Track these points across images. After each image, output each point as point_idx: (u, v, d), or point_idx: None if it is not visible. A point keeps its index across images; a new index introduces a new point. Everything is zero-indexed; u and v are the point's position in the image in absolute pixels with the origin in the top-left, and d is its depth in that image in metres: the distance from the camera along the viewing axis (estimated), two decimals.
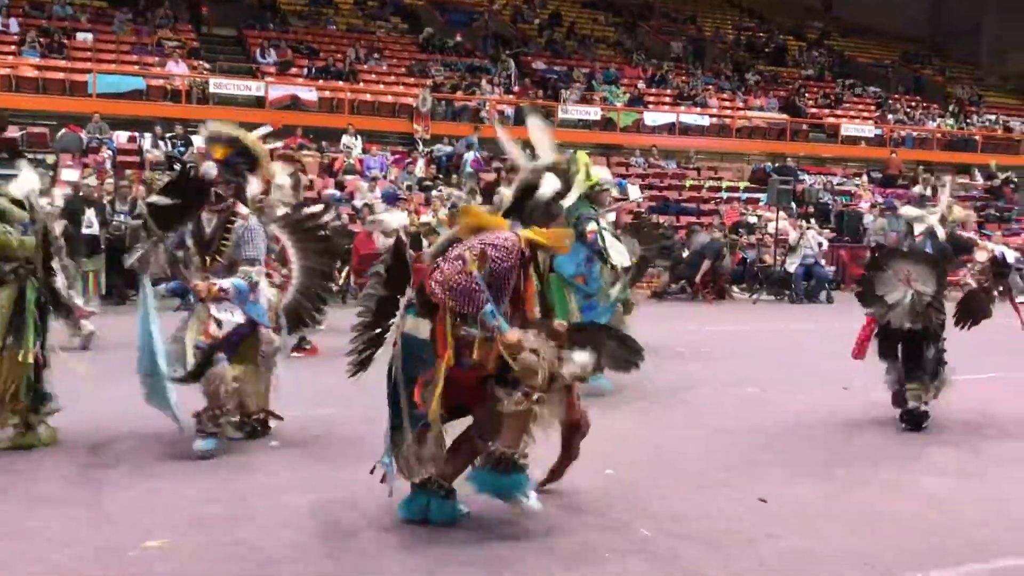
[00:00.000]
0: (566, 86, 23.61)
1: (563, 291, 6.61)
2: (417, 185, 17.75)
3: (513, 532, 3.84)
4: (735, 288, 16.32)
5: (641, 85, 25.19)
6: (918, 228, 6.38)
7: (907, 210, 7.04)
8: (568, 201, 4.01)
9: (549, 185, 4.08)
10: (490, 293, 3.69)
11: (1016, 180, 24.51)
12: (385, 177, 17.75)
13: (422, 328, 3.85)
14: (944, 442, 5.70)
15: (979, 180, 25.37)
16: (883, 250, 7.45)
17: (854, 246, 18.08)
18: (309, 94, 20.59)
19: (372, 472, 3.96)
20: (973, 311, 6.42)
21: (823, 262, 15.91)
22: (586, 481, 4.63)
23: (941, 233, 6.27)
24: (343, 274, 12.36)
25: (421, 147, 20.26)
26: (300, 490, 4.34)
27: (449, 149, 20.01)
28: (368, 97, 21.42)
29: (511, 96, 23.33)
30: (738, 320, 12.61)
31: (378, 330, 3.93)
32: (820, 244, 15.94)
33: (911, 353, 6.00)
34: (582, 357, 3.81)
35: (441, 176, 18.94)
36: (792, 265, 15.54)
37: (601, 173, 7.79)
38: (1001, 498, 4.56)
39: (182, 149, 17.73)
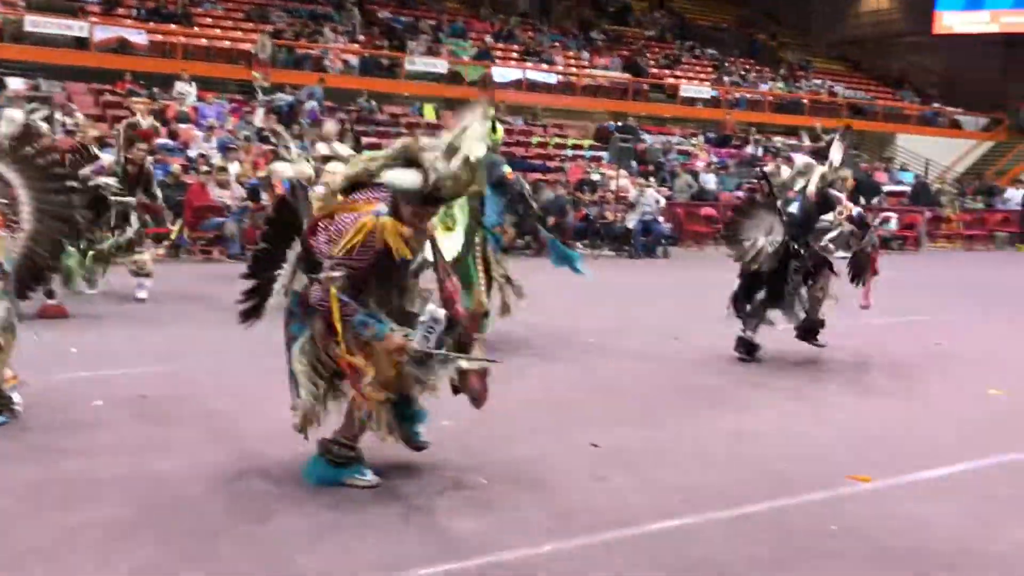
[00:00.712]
0: (413, 37, 23.26)
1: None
2: (256, 135, 17.11)
3: (343, 492, 3.81)
4: (578, 244, 16.67)
5: (489, 39, 25.12)
6: (799, 183, 6.73)
7: (799, 159, 7.36)
8: (478, 152, 3.70)
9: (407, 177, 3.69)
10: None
11: None
12: (222, 127, 17.03)
13: (297, 282, 3.85)
14: (775, 386, 6.03)
15: (806, 142, 26.80)
16: (752, 200, 7.94)
17: (690, 204, 18.77)
18: (139, 37, 19.42)
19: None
20: (859, 269, 6.92)
21: (661, 219, 16.44)
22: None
23: (812, 189, 6.62)
24: (176, 227, 11.86)
25: (260, 95, 19.52)
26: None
27: (290, 98, 19.36)
28: (203, 42, 20.44)
29: (355, 45, 22.80)
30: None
31: (256, 282, 3.94)
32: (658, 202, 16.44)
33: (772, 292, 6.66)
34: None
35: (282, 126, 18.32)
36: (632, 222, 15.99)
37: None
38: (815, 435, 4.89)
39: None
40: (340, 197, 3.87)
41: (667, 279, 12.79)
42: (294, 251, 3.91)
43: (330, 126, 14.48)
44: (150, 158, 8.96)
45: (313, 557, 3.16)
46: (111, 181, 7.97)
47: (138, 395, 5.12)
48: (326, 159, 9.77)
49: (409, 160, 3.65)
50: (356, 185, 3.86)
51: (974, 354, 7.53)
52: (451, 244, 6.31)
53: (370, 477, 3.86)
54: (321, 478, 3.83)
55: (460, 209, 6.16)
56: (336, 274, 3.59)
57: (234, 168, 14.14)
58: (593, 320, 8.38)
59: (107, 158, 8.31)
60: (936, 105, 31.06)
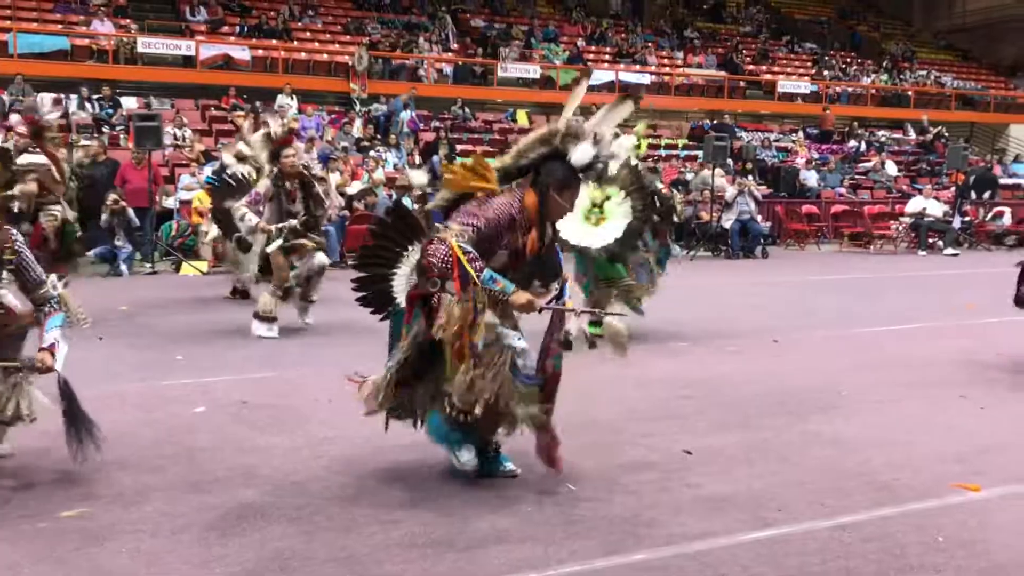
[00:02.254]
0: (505, 44, 23.40)
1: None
2: (355, 146, 17.50)
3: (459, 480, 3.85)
4: (675, 246, 16.45)
5: (581, 43, 25.08)
6: None
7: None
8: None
9: (582, 153, 3.81)
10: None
11: (947, 135, 25.02)
12: (322, 138, 17.47)
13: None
14: (877, 391, 5.83)
15: (912, 135, 25.87)
16: None
17: (790, 202, 18.33)
18: (242, 53, 20.11)
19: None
20: None
21: (759, 218, 16.09)
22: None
23: None
24: None
25: (358, 107, 19.96)
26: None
27: (386, 108, 19.73)
28: (303, 56, 21.02)
29: (449, 54, 23.08)
30: (674, 275, 12.72)
31: (366, 275, 4.18)
32: (756, 200, 16.09)
33: None
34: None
35: (379, 136, 18.70)
36: (728, 221, 15.70)
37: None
38: (922, 442, 4.70)
39: (110, 111, 17.24)
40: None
41: (765, 279, 12.49)
42: (410, 256, 4.03)
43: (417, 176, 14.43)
44: (304, 159, 8.04)
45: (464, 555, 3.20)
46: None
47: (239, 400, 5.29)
48: None
49: (560, 141, 3.81)
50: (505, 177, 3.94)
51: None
52: (599, 235, 6.76)
53: (466, 459, 3.91)
54: (434, 432, 3.96)
55: (617, 205, 6.77)
56: (462, 228, 3.63)
57: (334, 178, 14.49)
58: (686, 323, 8.25)
59: (262, 184, 7.45)
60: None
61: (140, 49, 19.15)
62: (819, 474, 4.16)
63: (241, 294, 9.49)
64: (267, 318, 7.41)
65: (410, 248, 4.07)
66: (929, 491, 3.97)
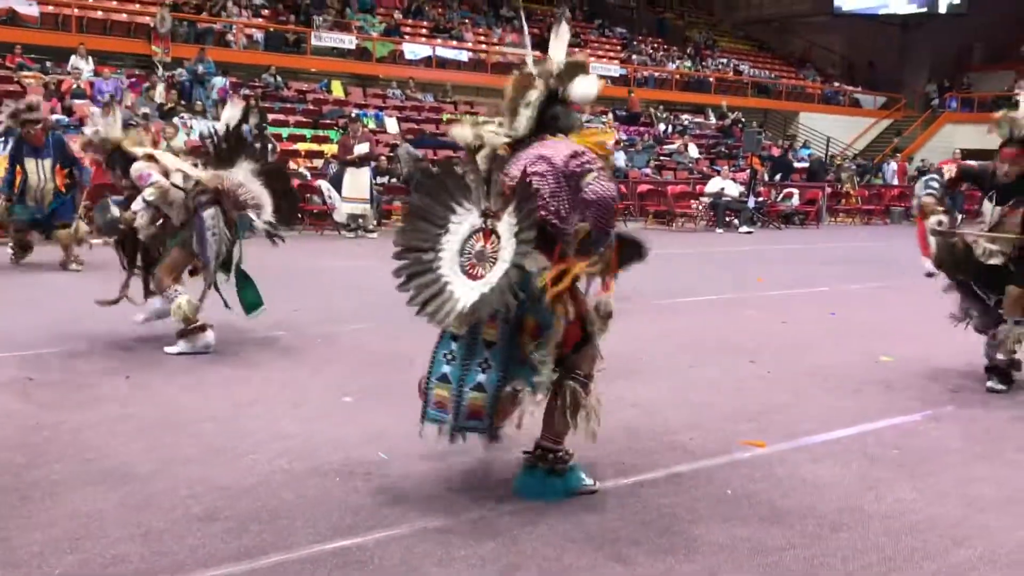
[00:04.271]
0: (319, 12, 22.80)
1: None
2: (157, 112, 16.58)
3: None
4: None
5: (397, 15, 24.81)
6: None
7: None
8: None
9: (585, 87, 3.62)
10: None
11: (744, 120, 26.61)
12: (120, 102, 16.42)
13: (539, 262, 3.27)
14: (669, 359, 6.14)
15: (712, 120, 27.33)
16: None
17: None
18: (29, 8, 18.58)
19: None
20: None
21: None
22: (325, 408, 4.62)
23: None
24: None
25: (161, 71, 18.90)
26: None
27: (190, 74, 18.80)
28: (99, 14, 19.65)
29: (260, 20, 22.26)
30: None
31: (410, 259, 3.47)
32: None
33: None
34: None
35: (184, 102, 17.81)
36: None
37: None
38: (714, 403, 5.00)
39: None
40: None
41: None
42: (462, 224, 3.41)
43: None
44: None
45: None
46: None
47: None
48: None
49: (556, 80, 3.64)
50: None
51: (868, 323, 7.82)
52: None
53: (590, 481, 3.64)
54: (543, 491, 3.51)
55: None
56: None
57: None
58: None
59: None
60: (837, 84, 31.99)
61: None
62: (621, 436, 4.35)
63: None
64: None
65: (458, 212, 3.43)
66: (720, 449, 4.24)
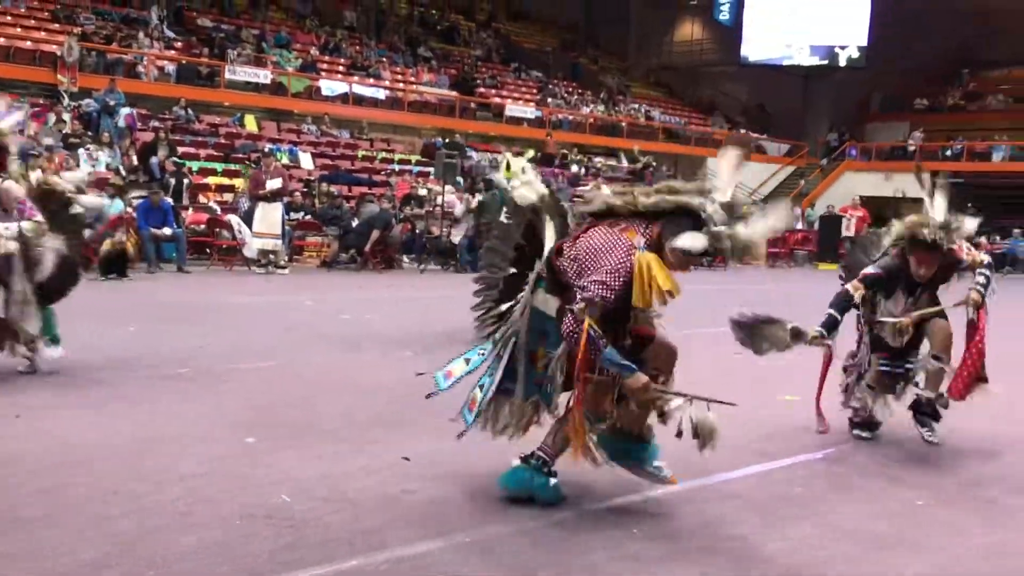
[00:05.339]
0: (233, 46, 22.56)
1: None
2: (61, 142, 16.10)
3: (143, 504, 3.60)
4: (404, 258, 16.62)
5: (314, 51, 24.72)
6: None
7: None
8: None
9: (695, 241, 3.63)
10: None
11: (655, 164, 27.24)
12: (22, 132, 15.88)
13: (550, 304, 3.79)
14: None
15: (624, 163, 27.89)
16: None
17: None
18: None
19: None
20: None
21: None
22: (228, 448, 4.50)
23: None
24: None
25: (67, 100, 18.39)
26: None
27: (98, 104, 18.34)
28: (1, 41, 19.05)
29: (172, 52, 21.91)
30: (407, 287, 12.86)
31: (505, 307, 3.98)
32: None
33: None
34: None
35: (90, 133, 17.33)
36: (457, 236, 16.09)
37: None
38: None
39: None
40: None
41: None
42: (535, 272, 3.91)
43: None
44: None
45: None
46: None
47: None
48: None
49: (686, 211, 3.63)
50: (609, 213, 3.81)
51: (772, 363, 7.98)
52: None
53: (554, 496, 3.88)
54: (530, 484, 3.85)
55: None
56: (589, 304, 3.53)
57: (35, 176, 13.19)
58: (415, 332, 8.33)
59: None
60: (743, 131, 33.05)
61: None
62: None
63: None
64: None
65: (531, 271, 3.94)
66: (630, 488, 4.24)
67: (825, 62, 32.09)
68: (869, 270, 5.11)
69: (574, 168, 25.47)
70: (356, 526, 3.57)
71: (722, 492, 4.31)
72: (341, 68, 24.73)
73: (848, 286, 5.08)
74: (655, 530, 3.72)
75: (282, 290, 11.80)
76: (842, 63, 31.91)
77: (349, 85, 23.60)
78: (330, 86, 23.32)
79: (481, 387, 3.96)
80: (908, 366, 5.36)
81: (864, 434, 5.49)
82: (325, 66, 24.46)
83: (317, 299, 10.72)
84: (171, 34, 22.51)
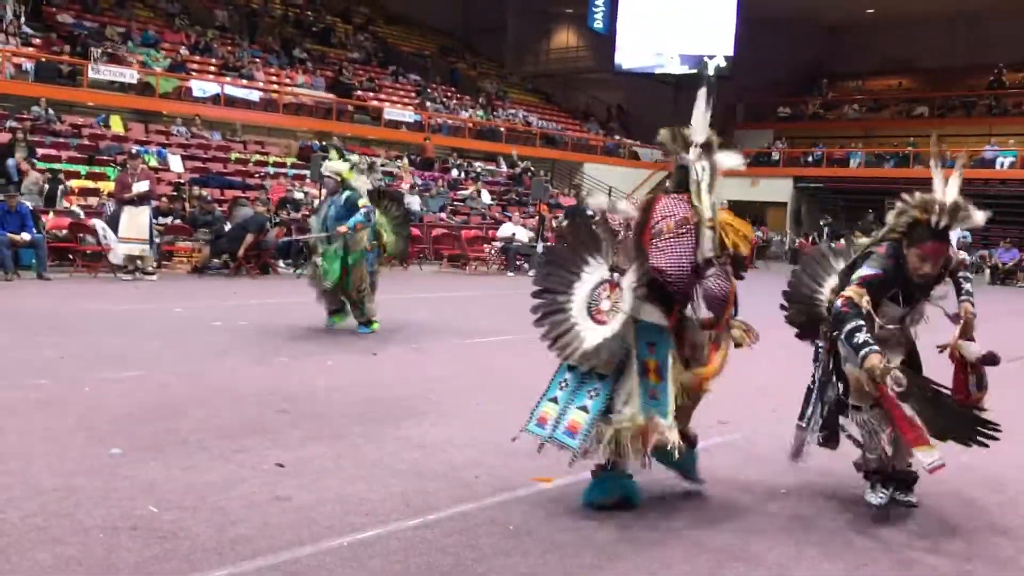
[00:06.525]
0: (97, 44, 21.63)
1: None
2: None
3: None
4: (280, 263, 16.26)
5: (184, 51, 23.94)
6: None
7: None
8: None
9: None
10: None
11: (533, 169, 27.57)
12: None
13: (655, 314, 3.89)
14: (467, 399, 6.19)
15: (503, 167, 28.12)
16: None
17: None
18: None
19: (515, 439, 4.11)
20: None
21: None
22: (89, 461, 4.32)
23: None
24: None
25: None
26: None
27: None
28: None
29: (30, 49, 20.85)
30: (283, 293, 12.57)
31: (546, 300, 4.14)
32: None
33: None
34: None
35: None
36: None
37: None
38: (491, 442, 5.07)
39: None
40: None
41: None
42: (593, 273, 4.08)
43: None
44: None
45: None
46: None
47: None
48: None
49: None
50: None
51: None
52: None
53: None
54: (616, 488, 4.02)
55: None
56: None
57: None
58: (289, 339, 8.18)
59: None
60: (617, 137, 33.83)
61: None
62: (407, 476, 4.33)
63: None
64: None
65: (591, 264, 4.12)
66: (504, 486, 4.30)
67: (694, 71, 33.15)
68: (866, 271, 3.88)
69: (454, 172, 25.51)
70: (225, 535, 3.49)
71: None
72: (212, 69, 24.03)
73: (848, 293, 3.82)
74: (533, 527, 3.78)
75: (150, 297, 11.39)
76: (710, 72, 33.05)
77: (221, 86, 22.97)
78: (201, 87, 22.63)
79: (583, 409, 3.93)
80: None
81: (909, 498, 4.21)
82: (196, 66, 23.73)
83: (187, 306, 10.39)
84: (29, 30, 21.40)
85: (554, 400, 4.03)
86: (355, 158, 10.44)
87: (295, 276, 15.32)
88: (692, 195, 3.92)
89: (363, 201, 8.74)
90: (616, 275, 4.04)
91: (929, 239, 3.81)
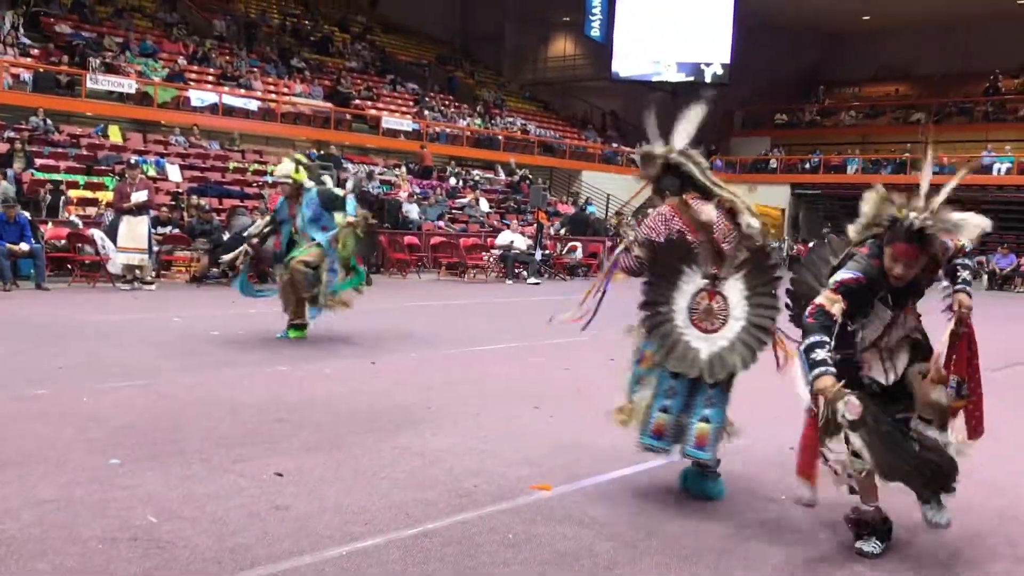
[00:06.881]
0: (95, 54, 21.66)
1: None
2: None
3: None
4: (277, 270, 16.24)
5: (182, 61, 23.99)
6: None
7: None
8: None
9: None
10: None
11: (531, 177, 27.60)
12: None
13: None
14: (449, 411, 6.19)
15: (501, 176, 28.16)
16: None
17: (394, 233, 19.00)
18: None
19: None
20: None
21: None
22: (88, 471, 4.31)
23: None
24: None
25: None
26: None
27: None
28: None
29: (29, 60, 20.88)
30: (280, 303, 12.54)
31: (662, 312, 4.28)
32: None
33: None
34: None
35: None
36: None
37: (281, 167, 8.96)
38: (500, 451, 5.07)
39: None
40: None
41: (366, 306, 12.79)
42: (688, 284, 4.26)
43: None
44: None
45: None
46: None
47: None
48: None
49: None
50: None
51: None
52: None
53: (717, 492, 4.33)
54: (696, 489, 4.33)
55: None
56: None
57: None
58: (287, 347, 8.18)
59: None
60: (615, 145, 33.87)
61: None
62: (406, 486, 4.33)
63: None
64: None
65: (686, 273, 4.27)
66: (503, 494, 4.30)
67: (691, 79, 33.22)
68: (844, 275, 3.60)
69: (452, 180, 25.54)
70: (224, 544, 3.49)
71: (592, 495, 4.40)
72: (210, 78, 24.07)
73: (820, 300, 3.54)
74: (533, 535, 3.77)
75: (149, 307, 11.39)
76: (707, 79, 33.11)
77: (219, 96, 23.00)
78: (200, 96, 22.66)
79: (705, 420, 4.11)
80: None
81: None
82: (194, 76, 23.77)
83: (186, 316, 10.39)
84: (27, 40, 21.44)
85: (665, 410, 4.17)
86: (350, 166, 10.42)
87: None
88: (711, 189, 4.40)
89: (341, 191, 8.71)
90: (717, 283, 4.22)
91: (899, 239, 3.51)
